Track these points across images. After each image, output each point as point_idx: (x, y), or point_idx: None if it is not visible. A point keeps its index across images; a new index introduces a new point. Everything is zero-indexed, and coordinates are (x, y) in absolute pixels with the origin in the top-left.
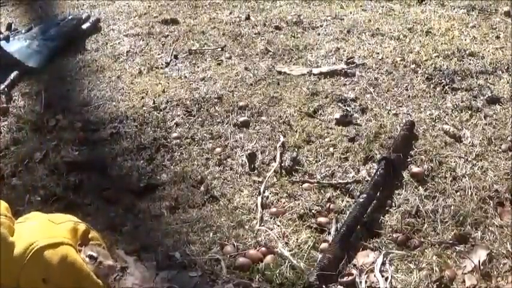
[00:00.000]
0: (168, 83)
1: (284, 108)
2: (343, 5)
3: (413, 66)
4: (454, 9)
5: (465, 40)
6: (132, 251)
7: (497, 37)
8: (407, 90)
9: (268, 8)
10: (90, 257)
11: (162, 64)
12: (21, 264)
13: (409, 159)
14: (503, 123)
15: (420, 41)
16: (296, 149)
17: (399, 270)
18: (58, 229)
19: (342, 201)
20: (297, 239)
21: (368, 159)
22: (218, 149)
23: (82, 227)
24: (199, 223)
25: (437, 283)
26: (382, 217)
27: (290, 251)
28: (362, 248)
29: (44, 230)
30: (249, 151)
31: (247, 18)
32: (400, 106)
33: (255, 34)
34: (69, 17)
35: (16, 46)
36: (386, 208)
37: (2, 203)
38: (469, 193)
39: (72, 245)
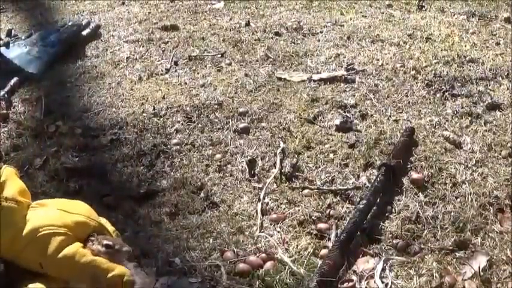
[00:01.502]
0: (168, 89)
1: (284, 114)
2: (343, 11)
3: (413, 72)
4: (454, 15)
5: (465, 46)
6: (132, 257)
7: (497, 43)
8: (407, 96)
9: (268, 14)
10: (107, 246)
11: (162, 70)
12: (22, 246)
13: (409, 166)
14: (503, 130)
15: (420, 47)
16: (296, 155)
17: (399, 277)
18: (67, 219)
19: (342, 207)
20: (297, 245)
21: (368, 165)
22: (218, 155)
23: (95, 223)
24: (199, 229)
25: None
26: (382, 223)
27: (290, 257)
28: (362, 254)
29: (52, 219)
30: (249, 157)
31: (247, 24)
32: (400, 112)
33: (255, 40)
34: (69, 23)
35: (16, 52)
36: (386, 214)
37: (17, 185)
38: (469, 199)
39: (74, 237)
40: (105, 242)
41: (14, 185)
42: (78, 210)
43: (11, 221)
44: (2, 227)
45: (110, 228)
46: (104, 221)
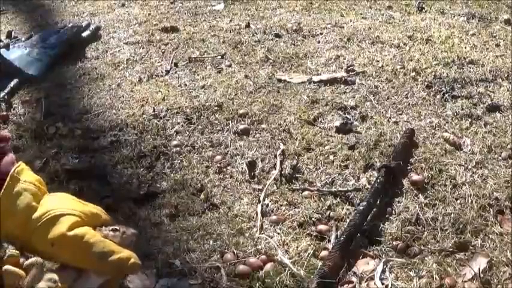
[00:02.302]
0: (168, 91)
1: (284, 116)
2: (343, 13)
3: (413, 74)
4: (454, 17)
5: (465, 48)
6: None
7: (497, 45)
8: (407, 98)
9: (268, 15)
10: (114, 230)
11: (162, 72)
12: (35, 226)
13: (409, 167)
14: (503, 131)
15: (420, 49)
16: (296, 157)
17: (399, 278)
18: (82, 207)
19: (342, 209)
20: (297, 247)
21: (368, 167)
22: (218, 157)
23: (106, 217)
24: (199, 231)
25: None
26: (382, 225)
27: (290, 258)
28: (362, 255)
29: (67, 204)
30: (249, 159)
31: (247, 26)
32: (400, 114)
33: (255, 42)
34: (69, 25)
35: (16, 54)
36: (386, 216)
37: (35, 175)
38: (469, 201)
39: (87, 223)
40: (111, 227)
41: (32, 174)
42: (91, 204)
43: (28, 203)
44: (18, 208)
45: None
46: None
